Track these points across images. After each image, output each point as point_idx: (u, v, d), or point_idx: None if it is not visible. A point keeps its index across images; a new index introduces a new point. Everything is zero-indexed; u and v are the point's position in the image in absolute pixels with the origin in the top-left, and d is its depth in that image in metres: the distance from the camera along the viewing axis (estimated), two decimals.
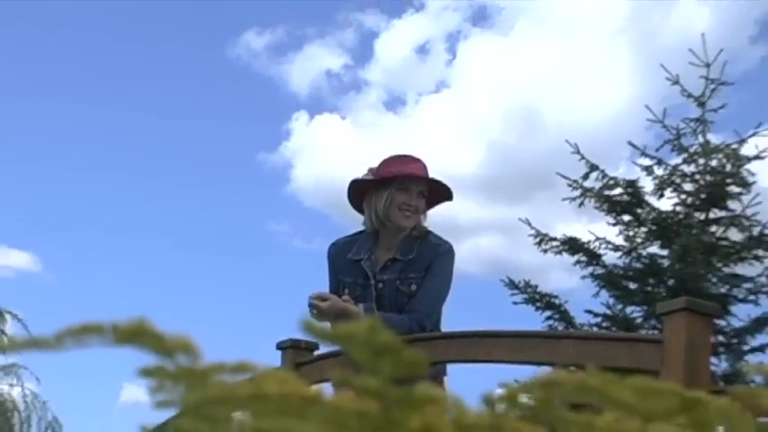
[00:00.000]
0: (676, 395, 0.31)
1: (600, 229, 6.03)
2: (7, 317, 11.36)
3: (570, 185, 5.97)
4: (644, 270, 5.86)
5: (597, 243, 5.97)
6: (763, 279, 5.70)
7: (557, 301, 5.89)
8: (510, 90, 13.21)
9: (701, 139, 5.93)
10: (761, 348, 5.69)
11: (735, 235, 5.76)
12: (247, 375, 0.35)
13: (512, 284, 5.88)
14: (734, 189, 5.78)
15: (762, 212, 5.72)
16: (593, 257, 6.00)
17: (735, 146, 5.82)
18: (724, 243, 5.75)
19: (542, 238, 5.99)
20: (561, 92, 12.04)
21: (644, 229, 5.93)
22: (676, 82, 5.98)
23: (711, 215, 5.83)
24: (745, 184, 5.75)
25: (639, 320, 5.83)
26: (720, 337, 5.58)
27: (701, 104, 5.95)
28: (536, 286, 5.88)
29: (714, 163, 5.81)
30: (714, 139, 5.97)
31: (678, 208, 5.85)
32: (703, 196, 5.78)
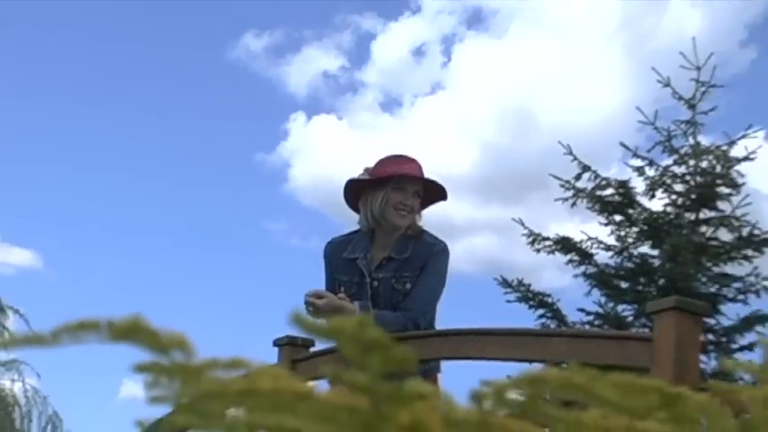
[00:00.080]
0: (657, 391, 0.32)
1: (592, 229, 6.08)
2: (9, 312, 11.42)
3: (563, 186, 6.01)
4: (635, 269, 5.90)
5: (589, 243, 6.01)
6: (751, 279, 5.75)
7: (549, 300, 5.93)
8: (504, 92, 13.27)
9: (691, 141, 5.98)
10: (749, 347, 5.74)
11: (724, 235, 5.82)
12: (241, 371, 0.35)
13: (505, 283, 5.92)
14: (723, 190, 5.83)
15: (751, 213, 5.78)
16: (585, 257, 6.03)
17: (724, 147, 5.88)
18: (714, 243, 5.80)
19: (535, 238, 6.02)
20: (555, 94, 12.10)
21: (635, 229, 5.97)
22: (667, 85, 6.02)
23: (701, 215, 5.88)
24: (735, 185, 5.81)
25: (630, 319, 5.87)
26: (710, 336, 5.62)
27: (692, 107, 5.99)
28: (529, 285, 5.92)
29: (704, 164, 5.86)
30: (704, 140, 6.03)
31: (669, 208, 5.89)
32: (693, 197, 5.82)
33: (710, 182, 5.78)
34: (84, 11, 13.56)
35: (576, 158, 5.97)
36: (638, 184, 5.97)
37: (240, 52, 13.89)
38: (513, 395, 0.38)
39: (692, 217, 5.86)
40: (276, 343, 2.59)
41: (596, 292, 5.99)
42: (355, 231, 2.52)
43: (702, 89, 5.96)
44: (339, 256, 2.48)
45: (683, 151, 5.93)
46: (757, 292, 5.74)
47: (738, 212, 5.78)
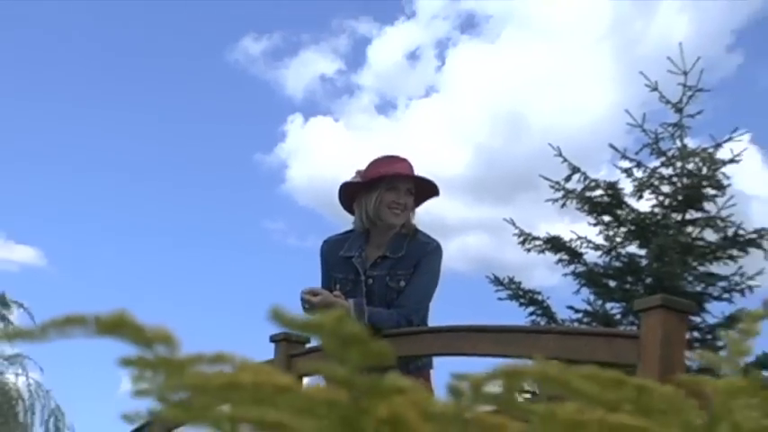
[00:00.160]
0: (622, 383, 0.33)
1: (581, 229, 6.12)
2: (14, 307, 11.42)
3: (553, 187, 6.05)
4: (623, 268, 5.95)
5: (579, 242, 6.05)
6: (736, 278, 5.81)
7: (539, 298, 5.97)
8: (496, 95, 13.36)
9: (678, 144, 6.03)
10: None
11: (710, 235, 5.88)
12: (226, 366, 0.36)
13: (497, 281, 5.95)
14: (709, 191, 5.89)
15: (736, 214, 5.84)
16: (574, 256, 6.07)
17: (710, 150, 5.94)
18: (700, 243, 5.86)
19: (526, 238, 6.06)
20: (546, 97, 12.18)
21: (623, 229, 6.02)
22: (655, 88, 6.07)
23: (688, 216, 5.93)
24: (721, 187, 5.87)
25: (618, 317, 5.91)
26: (696, 333, 5.68)
27: (679, 110, 6.05)
28: (520, 283, 5.96)
29: (691, 166, 5.92)
30: (691, 143, 6.09)
31: (656, 209, 5.94)
32: (680, 198, 5.88)
33: (697, 183, 5.84)
34: (85, 13, 13.55)
35: (565, 160, 6.01)
36: (627, 186, 6.03)
37: (239, 55, 13.91)
38: (490, 389, 0.39)
39: (679, 217, 5.91)
40: (273, 339, 2.61)
41: (585, 291, 6.04)
42: (351, 230, 2.55)
43: (689, 93, 6.02)
44: (335, 255, 2.50)
45: (670, 153, 5.99)
46: (742, 291, 5.80)
47: (724, 213, 5.84)
